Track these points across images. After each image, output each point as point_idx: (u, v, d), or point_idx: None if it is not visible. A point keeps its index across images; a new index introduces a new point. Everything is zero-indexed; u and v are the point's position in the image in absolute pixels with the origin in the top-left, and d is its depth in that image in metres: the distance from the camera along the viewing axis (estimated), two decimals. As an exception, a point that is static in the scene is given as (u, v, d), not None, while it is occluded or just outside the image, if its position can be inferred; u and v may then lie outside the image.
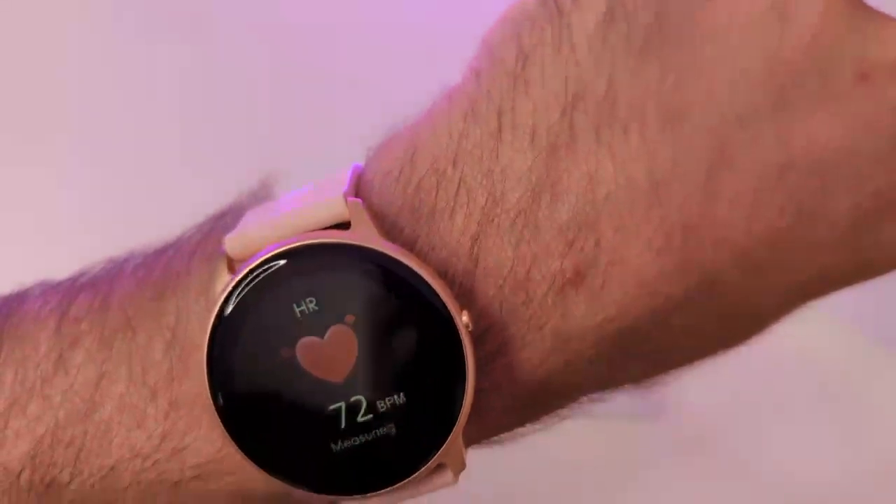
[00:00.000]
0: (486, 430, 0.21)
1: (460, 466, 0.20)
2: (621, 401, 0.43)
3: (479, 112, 0.20)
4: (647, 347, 0.20)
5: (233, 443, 0.19)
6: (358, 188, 0.21)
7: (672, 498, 0.44)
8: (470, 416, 0.20)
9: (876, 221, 0.19)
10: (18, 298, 0.22)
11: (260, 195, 0.22)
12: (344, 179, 0.20)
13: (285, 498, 0.20)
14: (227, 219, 0.22)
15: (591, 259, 0.19)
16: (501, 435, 0.22)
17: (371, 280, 0.19)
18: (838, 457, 0.44)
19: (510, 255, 0.19)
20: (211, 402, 0.19)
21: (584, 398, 0.22)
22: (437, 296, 0.19)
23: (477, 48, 0.21)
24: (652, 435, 0.45)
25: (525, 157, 0.19)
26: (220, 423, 0.19)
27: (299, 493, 0.19)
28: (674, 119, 0.18)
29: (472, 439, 0.21)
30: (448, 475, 0.20)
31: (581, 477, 0.44)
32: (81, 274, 0.22)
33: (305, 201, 0.20)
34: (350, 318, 0.19)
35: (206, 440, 0.20)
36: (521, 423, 0.22)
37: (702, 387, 0.47)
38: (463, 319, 0.19)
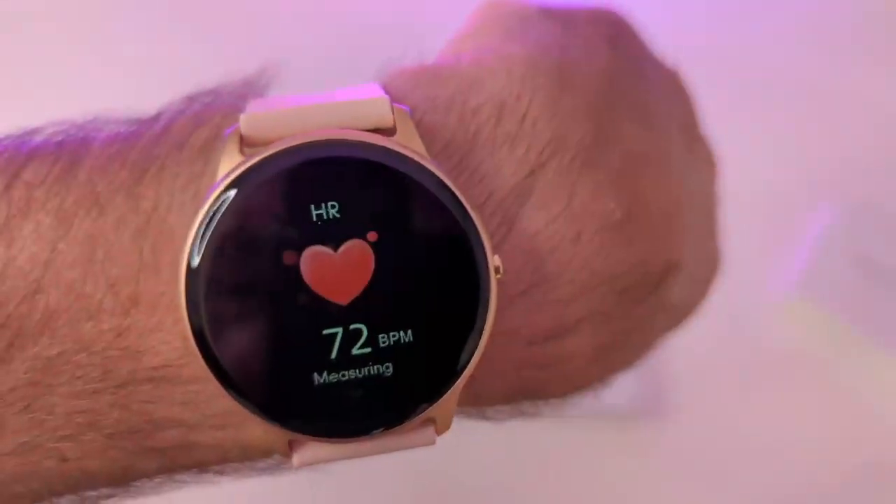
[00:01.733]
0: (489, 390, 0.19)
1: (446, 426, 0.18)
2: (621, 401, 0.43)
3: (537, 62, 0.19)
4: (647, 307, 0.21)
5: (197, 350, 0.16)
6: (401, 100, 0.18)
7: (672, 498, 0.44)
8: (479, 365, 0.17)
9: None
10: None
11: (258, 84, 0.19)
12: (377, 90, 0.18)
13: (238, 427, 0.18)
14: (222, 99, 0.19)
15: (634, 205, 0.20)
16: (504, 405, 0.20)
17: (408, 198, 0.16)
18: (837, 456, 0.44)
19: (567, 190, 0.18)
20: (182, 301, 0.16)
21: (587, 381, 0.21)
22: (476, 231, 0.17)
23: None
24: (652, 435, 0.45)
25: (582, 107, 0.19)
26: (188, 327, 0.16)
27: (256, 424, 0.17)
28: (670, 119, 0.22)
29: (477, 397, 0.19)
30: (430, 434, 0.18)
31: (581, 477, 0.44)
32: (32, 132, 0.18)
33: (339, 97, 0.18)
34: (373, 236, 0.16)
35: (169, 345, 0.17)
36: (526, 390, 0.20)
37: (701, 387, 0.47)
38: (494, 262, 0.17)
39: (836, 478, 0.44)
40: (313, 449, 0.17)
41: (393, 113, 0.17)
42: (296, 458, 0.18)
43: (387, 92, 0.18)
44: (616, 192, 0.19)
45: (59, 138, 0.18)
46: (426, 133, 0.18)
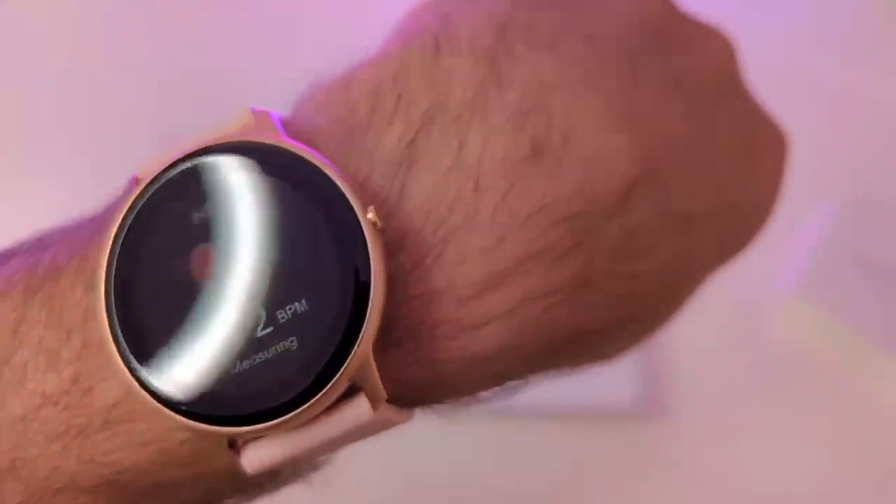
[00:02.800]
0: (426, 361, 0.19)
1: (378, 394, 0.18)
2: (621, 401, 0.43)
3: (413, 44, 0.20)
4: (611, 241, 0.19)
5: (130, 377, 0.17)
6: (293, 112, 0.20)
7: (671, 498, 0.44)
8: (402, 335, 0.18)
9: (747, 155, 0.23)
10: None
11: None
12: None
13: (204, 459, 0.18)
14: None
15: (544, 136, 0.19)
16: (457, 394, 0.20)
17: (268, 179, 0.17)
18: (838, 456, 0.44)
19: (455, 146, 0.18)
20: (110, 339, 0.17)
21: (559, 343, 0.20)
22: (338, 189, 0.17)
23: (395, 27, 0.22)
24: (652, 435, 0.45)
25: (467, 62, 0.19)
26: (117, 358, 0.17)
27: (202, 437, 0.18)
28: (589, 38, 0.20)
29: (416, 382, 0.19)
30: (363, 403, 0.18)
31: (581, 477, 0.44)
32: (21, 242, 0.21)
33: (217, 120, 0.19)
34: (248, 221, 0.17)
35: (115, 382, 0.18)
36: (473, 366, 0.19)
37: (701, 387, 0.47)
38: (369, 215, 0.17)
39: (837, 477, 0.44)
40: (257, 449, 0.18)
41: (254, 116, 0.18)
42: (245, 463, 0.18)
43: (290, 112, 0.20)
44: (514, 128, 0.19)
45: (42, 236, 0.21)
46: (302, 127, 0.19)
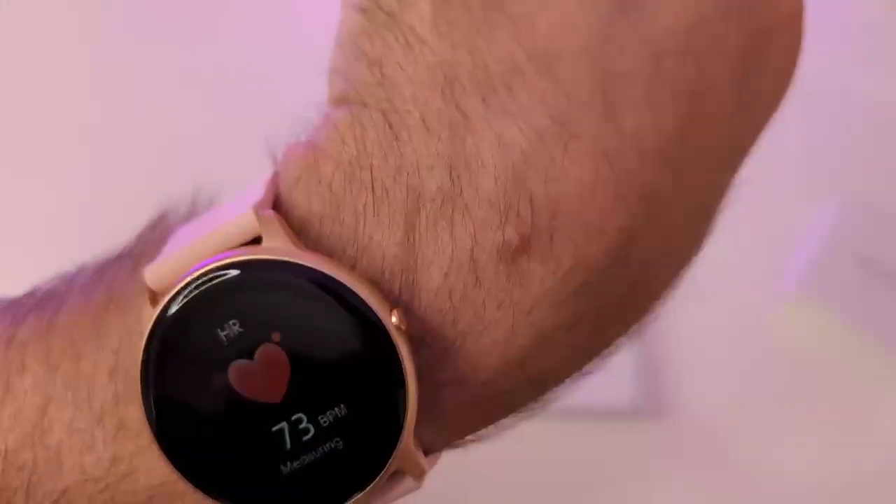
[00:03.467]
0: (458, 426, 0.21)
1: (419, 471, 0.19)
2: (621, 401, 0.43)
3: (362, 118, 0.19)
4: (620, 290, 0.20)
5: (181, 477, 0.18)
6: (276, 199, 0.20)
7: (672, 498, 0.44)
8: (431, 414, 0.19)
9: (746, 76, 0.20)
10: None
11: (194, 202, 0.22)
12: (260, 191, 0.20)
13: None
14: (159, 230, 0.21)
15: (530, 219, 0.19)
16: (487, 429, 0.21)
17: (289, 293, 0.18)
18: (838, 457, 0.44)
19: (448, 242, 0.19)
20: (152, 436, 0.18)
21: (576, 373, 0.21)
22: (360, 298, 0.18)
23: (327, 80, 0.21)
24: (652, 435, 0.45)
25: (428, 146, 0.19)
26: (164, 456, 0.18)
27: None
28: (546, 59, 0.19)
29: (442, 439, 0.20)
30: (408, 482, 0.19)
31: (581, 477, 0.44)
32: (33, 291, 0.21)
33: (218, 221, 0.19)
34: (276, 336, 0.18)
35: (157, 464, 0.19)
36: (500, 416, 0.21)
37: (701, 387, 0.47)
38: (392, 320, 0.18)
39: (837, 477, 0.44)
40: None
41: (259, 220, 0.19)
42: None
43: (276, 182, 0.20)
44: (499, 222, 0.19)
45: (47, 292, 0.21)
46: (301, 219, 0.19)
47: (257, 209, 0.19)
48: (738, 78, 0.20)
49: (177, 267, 0.19)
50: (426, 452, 0.20)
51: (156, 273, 0.19)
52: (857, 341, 0.45)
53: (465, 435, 0.21)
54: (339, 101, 0.20)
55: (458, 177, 0.19)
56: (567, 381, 0.21)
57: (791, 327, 0.46)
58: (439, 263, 0.19)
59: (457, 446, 0.22)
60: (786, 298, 0.46)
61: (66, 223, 0.47)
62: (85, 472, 0.20)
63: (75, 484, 0.20)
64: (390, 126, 0.19)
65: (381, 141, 0.19)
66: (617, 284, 0.19)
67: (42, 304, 0.21)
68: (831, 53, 0.52)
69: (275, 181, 0.20)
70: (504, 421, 0.21)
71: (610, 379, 0.43)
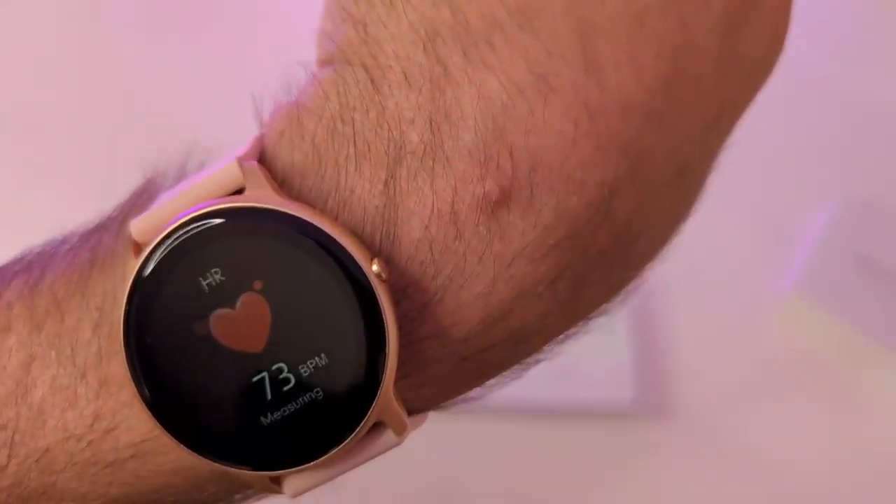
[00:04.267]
0: (442, 383, 0.20)
1: (400, 425, 0.19)
2: (621, 401, 0.43)
3: (345, 74, 0.19)
4: (602, 245, 0.19)
5: (161, 427, 0.18)
6: (261, 154, 0.20)
7: (672, 498, 0.44)
8: (413, 368, 0.19)
9: (732, 36, 0.20)
10: None
11: (183, 167, 0.22)
12: (245, 146, 0.20)
13: (226, 474, 0.19)
14: (146, 195, 0.21)
15: (510, 172, 0.19)
16: (474, 391, 0.21)
17: (271, 241, 0.18)
18: (836, 456, 0.44)
19: (429, 194, 0.19)
20: (146, 410, 0.18)
21: (561, 333, 0.21)
22: (342, 247, 0.18)
23: (316, 44, 0.21)
24: (652, 435, 0.45)
25: (409, 98, 0.19)
26: (146, 408, 0.18)
27: (237, 472, 0.19)
28: (527, 15, 0.19)
29: (427, 397, 0.20)
30: (389, 435, 0.19)
31: (581, 476, 0.44)
32: (21, 257, 0.21)
33: (205, 174, 0.20)
34: (258, 284, 0.18)
35: (139, 419, 0.19)
36: (486, 374, 0.21)
37: (701, 387, 0.47)
38: (373, 268, 0.18)
39: (837, 477, 0.44)
40: (296, 480, 0.19)
41: (242, 171, 0.19)
42: (287, 492, 0.19)
43: (262, 139, 0.20)
44: (480, 175, 0.19)
45: (34, 257, 0.21)
46: (283, 172, 0.19)
47: (241, 160, 0.19)
48: (724, 37, 0.20)
49: (160, 217, 0.19)
50: (411, 412, 0.20)
51: (140, 225, 0.19)
52: (855, 341, 0.45)
53: (451, 394, 0.21)
54: (326, 62, 0.20)
55: (439, 129, 0.19)
56: (552, 340, 0.21)
57: (790, 327, 0.46)
58: (420, 215, 0.19)
59: (445, 407, 0.21)
60: (785, 298, 0.46)
61: (64, 221, 0.47)
62: (67, 430, 0.20)
63: (57, 442, 0.20)
64: (372, 81, 0.19)
65: (362, 95, 0.19)
66: (599, 239, 0.19)
67: (28, 267, 0.21)
68: (831, 53, 0.52)
69: (260, 138, 0.20)
70: (491, 381, 0.21)
71: (610, 379, 0.43)
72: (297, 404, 0.18)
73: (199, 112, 0.49)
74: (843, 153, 0.50)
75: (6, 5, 0.51)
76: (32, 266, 0.21)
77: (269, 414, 0.18)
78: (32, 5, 0.52)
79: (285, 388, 0.18)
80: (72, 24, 0.52)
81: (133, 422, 0.19)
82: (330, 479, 0.19)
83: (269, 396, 0.18)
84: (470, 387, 0.21)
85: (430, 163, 0.19)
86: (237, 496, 0.21)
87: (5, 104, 0.50)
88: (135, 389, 0.18)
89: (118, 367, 0.19)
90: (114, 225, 0.21)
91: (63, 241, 0.21)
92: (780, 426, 0.45)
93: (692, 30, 0.20)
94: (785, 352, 0.46)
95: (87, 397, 0.19)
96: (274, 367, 0.18)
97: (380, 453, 0.19)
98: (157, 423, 0.18)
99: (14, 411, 0.20)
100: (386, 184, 0.19)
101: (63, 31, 0.52)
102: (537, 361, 0.22)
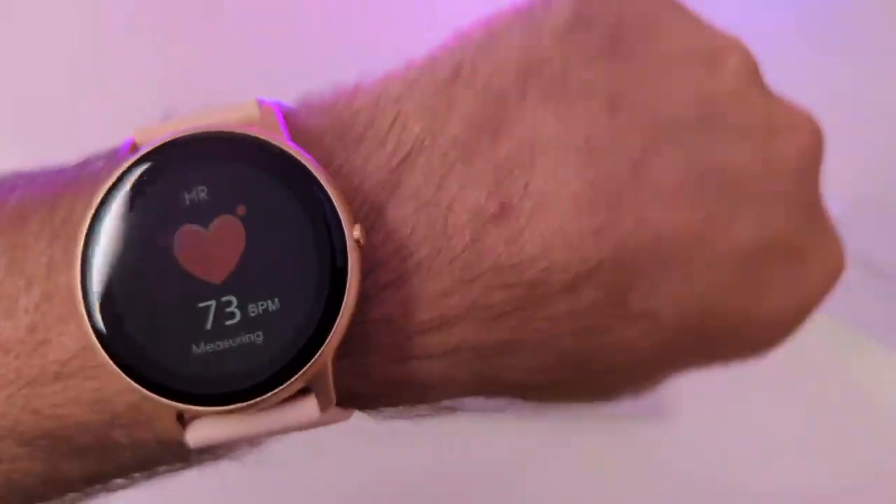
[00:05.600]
0: (371, 378, 0.20)
1: (328, 398, 0.19)
2: (621, 401, 0.43)
3: (436, 66, 0.20)
4: (558, 319, 0.20)
5: (92, 334, 0.18)
6: (291, 110, 0.20)
7: (672, 498, 0.44)
8: (355, 349, 0.19)
9: (767, 263, 0.22)
10: None
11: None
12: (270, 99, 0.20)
13: (140, 417, 0.19)
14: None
15: (517, 199, 0.19)
16: (393, 405, 0.21)
17: (265, 175, 0.18)
18: (837, 456, 0.44)
19: (436, 182, 0.19)
20: (77, 288, 0.18)
21: (479, 387, 0.21)
22: (331, 201, 0.18)
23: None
24: (652, 435, 0.45)
25: (473, 101, 0.20)
26: (83, 313, 0.18)
27: (148, 399, 0.18)
28: (617, 106, 0.20)
29: (357, 390, 0.20)
30: (312, 405, 0.19)
31: (581, 476, 0.44)
32: None
33: (222, 104, 0.20)
34: (241, 209, 0.18)
35: (72, 336, 0.19)
36: (410, 388, 0.20)
37: (701, 387, 0.47)
38: (354, 233, 0.18)
39: (836, 477, 0.44)
40: (203, 426, 0.19)
41: (259, 110, 0.19)
42: (189, 437, 0.19)
43: (292, 107, 0.20)
44: (492, 184, 0.19)
45: (2, 178, 0.21)
46: (301, 128, 0.19)
47: (260, 99, 0.19)
48: (759, 256, 0.21)
49: (165, 129, 0.19)
50: (340, 401, 0.19)
51: (143, 130, 0.19)
52: (856, 341, 0.45)
53: (378, 396, 0.20)
54: (437, 46, 0.21)
55: (480, 133, 0.19)
56: (471, 390, 0.21)
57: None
58: (420, 198, 0.19)
59: (369, 411, 0.21)
60: (786, 298, 0.46)
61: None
62: None
63: None
64: (454, 78, 0.20)
65: (434, 85, 0.20)
66: (553, 310, 0.19)
67: None
68: (831, 53, 0.52)
69: (300, 103, 0.20)
70: (421, 407, 0.21)
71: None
72: (233, 342, 0.18)
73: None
74: (843, 153, 0.50)
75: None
76: (6, 184, 0.20)
77: (202, 344, 0.18)
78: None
79: (227, 322, 0.18)
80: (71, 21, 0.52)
81: (66, 339, 0.19)
82: (237, 436, 0.19)
83: (208, 326, 0.18)
84: (393, 399, 0.21)
85: (453, 157, 0.19)
86: (149, 460, 0.20)
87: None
88: (76, 302, 0.18)
89: (67, 280, 0.19)
90: (97, 163, 0.20)
91: (40, 171, 0.21)
92: (779, 426, 0.45)
93: (736, 222, 0.21)
94: (785, 351, 0.46)
95: (26, 309, 0.19)
96: (224, 299, 0.18)
97: (295, 426, 0.19)
98: (88, 327, 0.18)
99: None
100: (401, 163, 0.19)
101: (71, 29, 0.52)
102: (449, 409, 0.22)
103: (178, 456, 0.21)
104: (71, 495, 0.21)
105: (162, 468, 0.21)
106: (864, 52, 0.53)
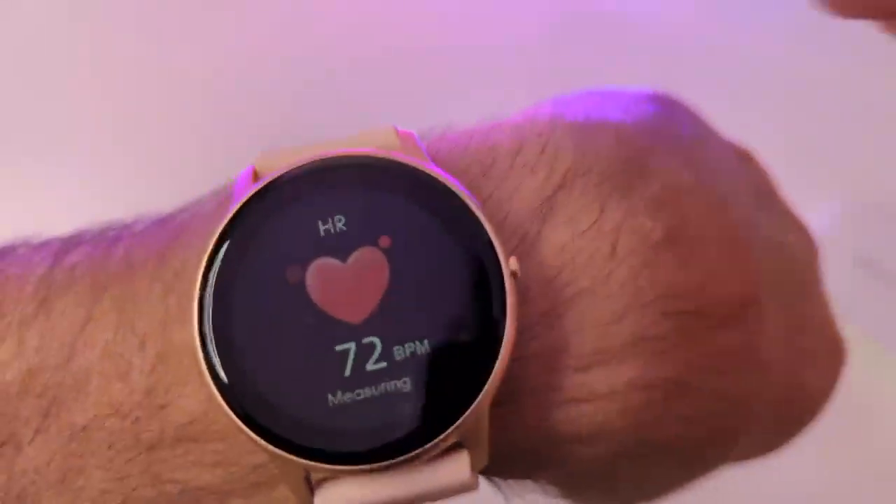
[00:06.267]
0: (521, 428, 0.18)
1: (482, 454, 0.16)
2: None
3: (562, 110, 0.19)
4: (714, 346, 0.19)
5: (215, 390, 0.16)
6: (427, 146, 0.18)
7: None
8: (505, 395, 0.16)
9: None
10: (6, 248, 0.19)
11: None
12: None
13: (268, 490, 0.17)
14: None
15: (680, 228, 0.18)
16: (534, 469, 0.19)
17: (411, 203, 0.16)
18: (837, 456, 0.44)
19: (596, 209, 0.17)
20: (199, 349, 0.16)
21: (638, 445, 0.19)
22: (485, 232, 0.16)
23: None
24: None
25: (614, 142, 0.19)
26: (205, 369, 0.16)
27: (280, 464, 0.16)
28: (717, 178, 0.20)
29: (501, 443, 0.17)
30: (464, 464, 0.16)
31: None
32: (82, 231, 0.19)
33: (354, 134, 0.18)
34: (385, 241, 0.16)
35: (193, 399, 0.17)
36: (570, 434, 0.18)
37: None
38: (511, 265, 0.16)
39: (836, 477, 0.44)
40: (337, 490, 0.16)
41: (398, 137, 0.17)
42: (318, 501, 0.17)
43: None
44: (653, 213, 0.18)
45: (104, 229, 0.19)
46: (440, 164, 0.18)
47: (397, 127, 0.17)
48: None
49: (291, 156, 0.17)
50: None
51: (269, 155, 0.17)
52: (856, 341, 0.45)
53: (520, 452, 0.18)
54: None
55: (630, 172, 0.18)
56: (627, 447, 0.18)
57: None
58: (579, 224, 0.17)
59: (499, 481, 0.19)
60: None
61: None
62: (112, 405, 0.17)
63: (98, 419, 0.17)
64: (587, 118, 0.19)
65: (572, 124, 0.19)
66: (710, 345, 0.18)
67: (98, 236, 0.19)
68: (832, 53, 0.52)
69: (429, 137, 0.19)
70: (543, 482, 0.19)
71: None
72: (376, 390, 0.15)
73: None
74: (843, 153, 0.50)
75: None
76: (103, 235, 0.19)
77: (339, 393, 0.15)
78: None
79: (369, 368, 0.16)
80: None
81: (185, 402, 0.17)
82: (374, 501, 0.16)
83: (347, 372, 0.16)
84: (545, 459, 0.18)
85: (610, 187, 0.18)
86: None
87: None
88: (196, 359, 0.16)
89: (183, 336, 0.17)
90: (207, 207, 0.19)
91: (136, 220, 0.19)
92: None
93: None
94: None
95: (141, 369, 0.17)
96: (365, 341, 0.16)
97: (443, 489, 0.16)
98: (212, 387, 0.16)
99: (56, 378, 0.17)
100: (557, 189, 0.18)
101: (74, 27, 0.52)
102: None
103: None
104: None
105: None
106: (864, 52, 0.53)
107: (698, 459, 0.20)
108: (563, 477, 0.19)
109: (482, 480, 0.18)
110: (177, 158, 0.48)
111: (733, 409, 0.19)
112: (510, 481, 0.20)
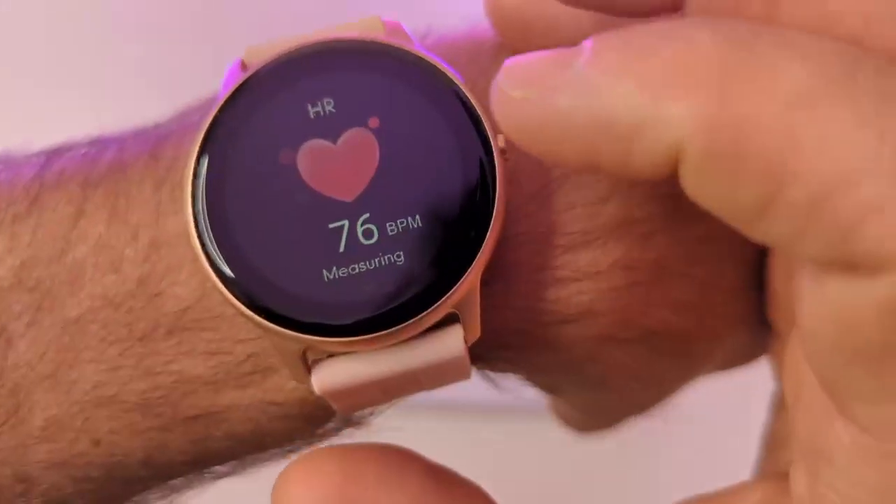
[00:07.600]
0: (511, 309, 0.18)
1: (474, 328, 0.17)
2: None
3: None
4: (689, 232, 0.18)
5: (211, 272, 0.16)
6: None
7: (672, 498, 0.44)
8: (494, 275, 0.17)
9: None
10: None
11: None
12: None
13: (261, 382, 0.17)
14: None
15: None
16: (523, 359, 0.19)
17: (400, 83, 0.16)
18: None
19: None
20: (193, 232, 0.16)
21: (624, 329, 0.19)
22: (475, 110, 0.16)
23: None
24: (652, 434, 0.45)
25: None
26: (199, 250, 0.16)
27: (276, 343, 0.16)
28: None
29: (492, 322, 0.18)
30: (458, 337, 0.17)
31: (581, 476, 0.44)
32: (72, 141, 0.19)
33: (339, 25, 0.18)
34: (374, 121, 0.16)
35: (186, 285, 0.17)
36: (549, 325, 0.18)
37: (701, 387, 0.47)
38: (499, 141, 0.16)
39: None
40: (332, 367, 0.17)
41: (384, 26, 0.17)
42: (315, 381, 0.17)
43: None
44: None
45: (91, 139, 0.19)
46: (433, 50, 0.18)
47: (383, 17, 0.17)
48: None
49: (278, 46, 0.17)
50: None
51: (254, 49, 0.17)
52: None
53: (510, 333, 0.18)
54: None
55: None
56: (613, 329, 0.19)
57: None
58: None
59: (487, 367, 0.19)
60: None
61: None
62: (105, 297, 0.17)
63: (91, 311, 0.17)
64: None
65: None
66: (686, 234, 0.18)
67: (87, 144, 0.19)
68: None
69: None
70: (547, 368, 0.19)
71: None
72: (370, 264, 0.16)
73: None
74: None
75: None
76: (100, 141, 0.19)
77: (333, 269, 0.16)
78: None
79: (363, 243, 0.16)
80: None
81: (179, 289, 0.17)
82: (372, 377, 0.16)
83: (341, 248, 0.16)
84: (534, 342, 0.18)
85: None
86: (259, 434, 0.18)
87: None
88: (191, 243, 0.16)
89: (175, 224, 0.17)
90: (189, 117, 0.19)
91: (130, 131, 0.19)
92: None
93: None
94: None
95: (133, 260, 0.17)
96: (357, 219, 0.16)
97: (439, 363, 0.17)
98: (208, 268, 0.16)
99: (49, 271, 0.17)
100: None
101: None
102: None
103: (295, 423, 0.18)
104: (173, 482, 0.19)
105: (268, 440, 0.19)
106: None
107: (684, 354, 0.21)
108: (553, 366, 0.19)
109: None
110: (165, 70, 0.47)
111: (721, 301, 0.19)
112: (505, 384, 0.20)
